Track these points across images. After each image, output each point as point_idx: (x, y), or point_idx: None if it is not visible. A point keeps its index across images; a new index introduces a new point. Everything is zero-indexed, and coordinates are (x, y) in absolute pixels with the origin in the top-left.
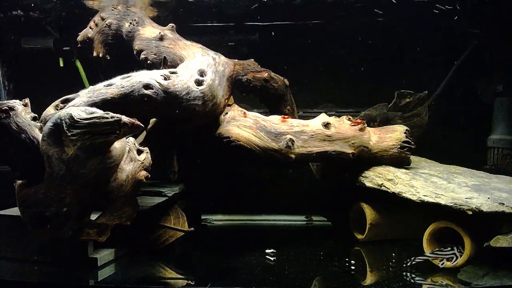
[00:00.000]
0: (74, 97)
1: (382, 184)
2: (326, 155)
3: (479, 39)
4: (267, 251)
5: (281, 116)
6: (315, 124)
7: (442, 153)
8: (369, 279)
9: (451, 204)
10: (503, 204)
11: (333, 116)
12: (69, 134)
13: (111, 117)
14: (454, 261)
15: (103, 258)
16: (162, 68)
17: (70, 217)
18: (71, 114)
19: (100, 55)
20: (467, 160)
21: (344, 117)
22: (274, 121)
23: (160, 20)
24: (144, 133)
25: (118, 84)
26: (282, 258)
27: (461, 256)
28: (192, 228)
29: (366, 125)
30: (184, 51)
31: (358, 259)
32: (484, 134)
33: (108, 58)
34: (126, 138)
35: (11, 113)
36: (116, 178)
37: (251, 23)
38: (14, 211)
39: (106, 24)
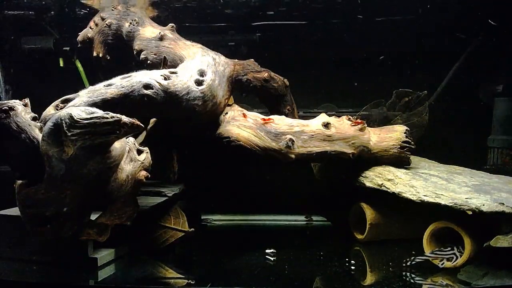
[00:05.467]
0: (74, 97)
1: (382, 184)
2: (326, 155)
3: (480, 39)
4: (267, 251)
5: (280, 115)
6: (315, 124)
7: (442, 153)
8: (369, 279)
9: (451, 204)
10: (503, 204)
11: (333, 116)
12: (69, 134)
13: (111, 117)
14: (454, 261)
15: (103, 258)
16: (162, 68)
17: (70, 217)
18: (71, 114)
19: (100, 55)
20: (467, 160)
21: (344, 117)
22: (275, 121)
23: (160, 20)
24: (144, 133)
25: (118, 84)
26: (282, 258)
27: (461, 256)
28: (193, 229)
29: (366, 125)
30: (184, 51)
31: (358, 259)
32: (484, 134)
33: (108, 58)
34: (126, 138)
35: (11, 113)
36: (116, 178)
37: (251, 23)
38: (14, 211)
39: (106, 24)
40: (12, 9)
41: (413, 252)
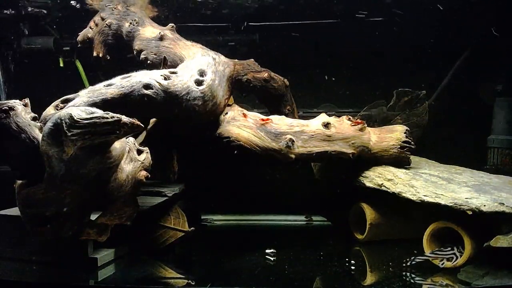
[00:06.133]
0: (74, 97)
1: (382, 184)
2: (326, 155)
3: (479, 39)
4: (267, 251)
5: (280, 115)
6: (315, 124)
7: (442, 153)
8: (369, 279)
9: (451, 204)
10: (503, 204)
11: (333, 116)
12: (69, 134)
13: (111, 117)
14: (454, 261)
15: (103, 258)
16: (162, 68)
17: (70, 217)
18: (71, 114)
19: (100, 55)
20: (467, 160)
21: (344, 117)
22: (274, 121)
23: (160, 20)
24: (144, 133)
25: (118, 84)
26: (282, 258)
27: (461, 256)
28: (193, 228)
29: (366, 125)
30: (184, 51)
31: (358, 259)
32: (484, 134)
33: (108, 58)
34: (126, 138)
35: (11, 113)
36: (116, 178)
37: (251, 23)
38: (14, 211)
39: (106, 24)
40: (12, 8)
41: (415, 252)
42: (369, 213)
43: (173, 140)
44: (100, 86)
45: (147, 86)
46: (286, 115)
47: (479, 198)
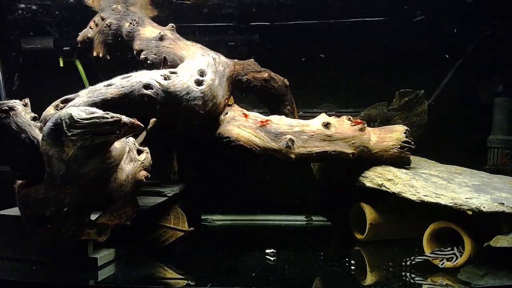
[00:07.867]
0: (74, 97)
1: (382, 184)
2: (326, 155)
3: (479, 39)
4: (267, 251)
5: (280, 115)
6: (315, 124)
7: (442, 153)
8: (369, 279)
9: (451, 204)
10: (503, 204)
11: (333, 116)
12: (69, 134)
13: (111, 117)
14: (454, 261)
15: (103, 258)
16: (162, 68)
17: (70, 217)
18: (71, 114)
19: (100, 55)
20: (467, 160)
21: (344, 117)
22: (274, 121)
23: (160, 20)
24: (144, 133)
25: (118, 84)
26: (282, 258)
27: (461, 256)
28: (192, 228)
29: (366, 125)
30: (184, 51)
31: (358, 259)
32: (484, 134)
33: (108, 58)
34: (126, 138)
35: (11, 113)
36: (116, 178)
37: (251, 23)
38: (14, 211)
39: (106, 24)
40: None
41: (416, 251)
42: (369, 213)
43: (173, 140)
44: (100, 86)
45: (147, 86)
46: (286, 115)
47: (479, 198)
